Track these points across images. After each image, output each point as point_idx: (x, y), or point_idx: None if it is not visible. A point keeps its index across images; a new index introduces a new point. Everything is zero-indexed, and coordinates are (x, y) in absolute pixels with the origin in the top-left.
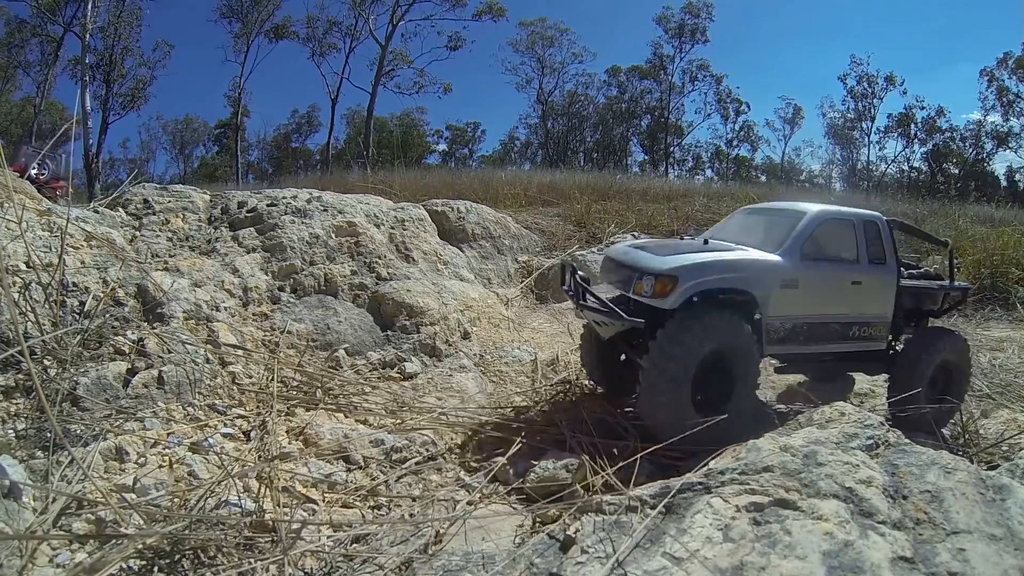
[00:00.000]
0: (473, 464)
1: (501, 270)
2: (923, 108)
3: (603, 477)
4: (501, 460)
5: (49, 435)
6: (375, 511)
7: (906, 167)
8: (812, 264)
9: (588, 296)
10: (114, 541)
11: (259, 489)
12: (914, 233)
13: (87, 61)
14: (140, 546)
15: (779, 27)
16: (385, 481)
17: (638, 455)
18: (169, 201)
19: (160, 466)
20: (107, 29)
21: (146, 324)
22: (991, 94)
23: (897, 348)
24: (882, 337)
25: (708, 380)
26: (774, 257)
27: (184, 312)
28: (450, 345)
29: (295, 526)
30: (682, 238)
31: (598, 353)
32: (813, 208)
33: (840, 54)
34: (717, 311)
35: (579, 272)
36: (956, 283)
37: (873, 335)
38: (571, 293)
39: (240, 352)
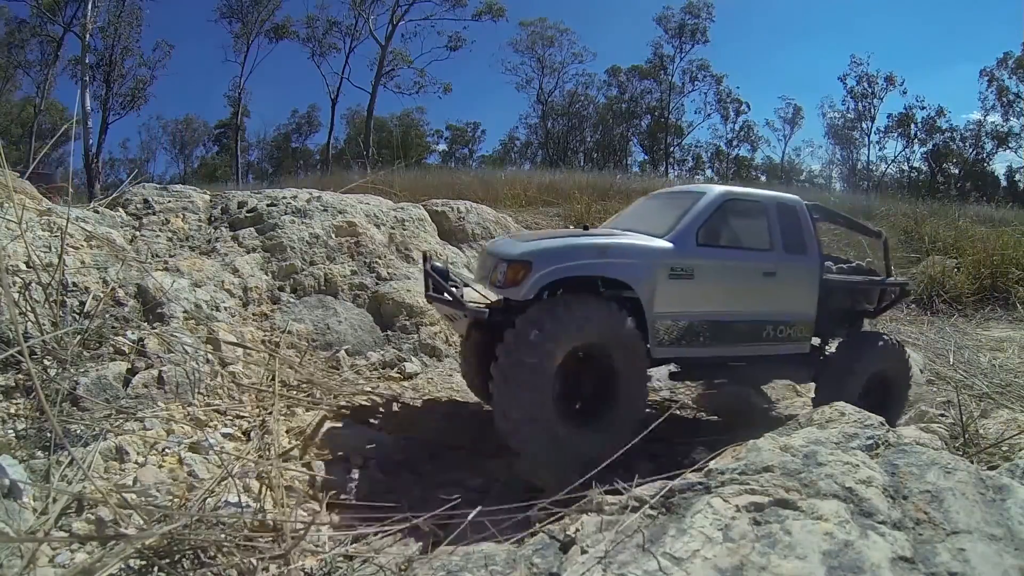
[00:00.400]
0: (473, 464)
1: None
2: (923, 108)
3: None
4: (501, 460)
5: (49, 435)
6: (375, 511)
7: (906, 167)
8: (711, 251)
9: (436, 286)
10: (114, 541)
11: (259, 489)
12: (840, 220)
13: (87, 61)
14: (140, 546)
15: (779, 27)
16: (384, 481)
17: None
18: (169, 201)
19: (160, 466)
20: (107, 29)
21: (146, 324)
22: (991, 94)
23: (827, 352)
24: (804, 338)
25: (583, 385)
26: (660, 242)
27: (184, 312)
28: (450, 345)
29: (297, 527)
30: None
31: (478, 359)
32: (716, 189)
33: (840, 54)
34: (592, 297)
35: (433, 262)
36: (892, 278)
37: (792, 336)
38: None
39: (240, 352)
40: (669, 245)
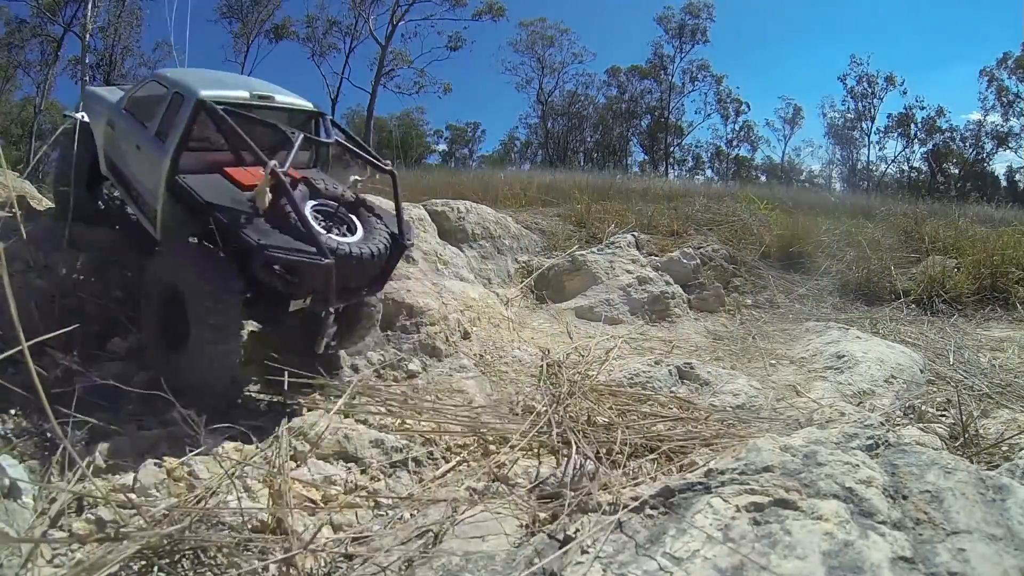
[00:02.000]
0: (474, 464)
1: (501, 270)
2: (923, 108)
3: (604, 477)
4: (502, 460)
5: (49, 435)
6: (375, 511)
7: (906, 167)
8: (125, 116)
9: None
10: (114, 541)
11: (259, 489)
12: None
13: (87, 61)
14: (140, 546)
15: (779, 27)
16: (385, 481)
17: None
18: None
19: (160, 466)
20: (107, 29)
21: None
22: (991, 94)
23: None
24: (149, 221)
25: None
26: (116, 96)
27: None
28: (450, 345)
29: (299, 528)
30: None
31: None
32: (173, 70)
33: (840, 54)
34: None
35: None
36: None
37: (148, 216)
38: None
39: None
40: (115, 102)
